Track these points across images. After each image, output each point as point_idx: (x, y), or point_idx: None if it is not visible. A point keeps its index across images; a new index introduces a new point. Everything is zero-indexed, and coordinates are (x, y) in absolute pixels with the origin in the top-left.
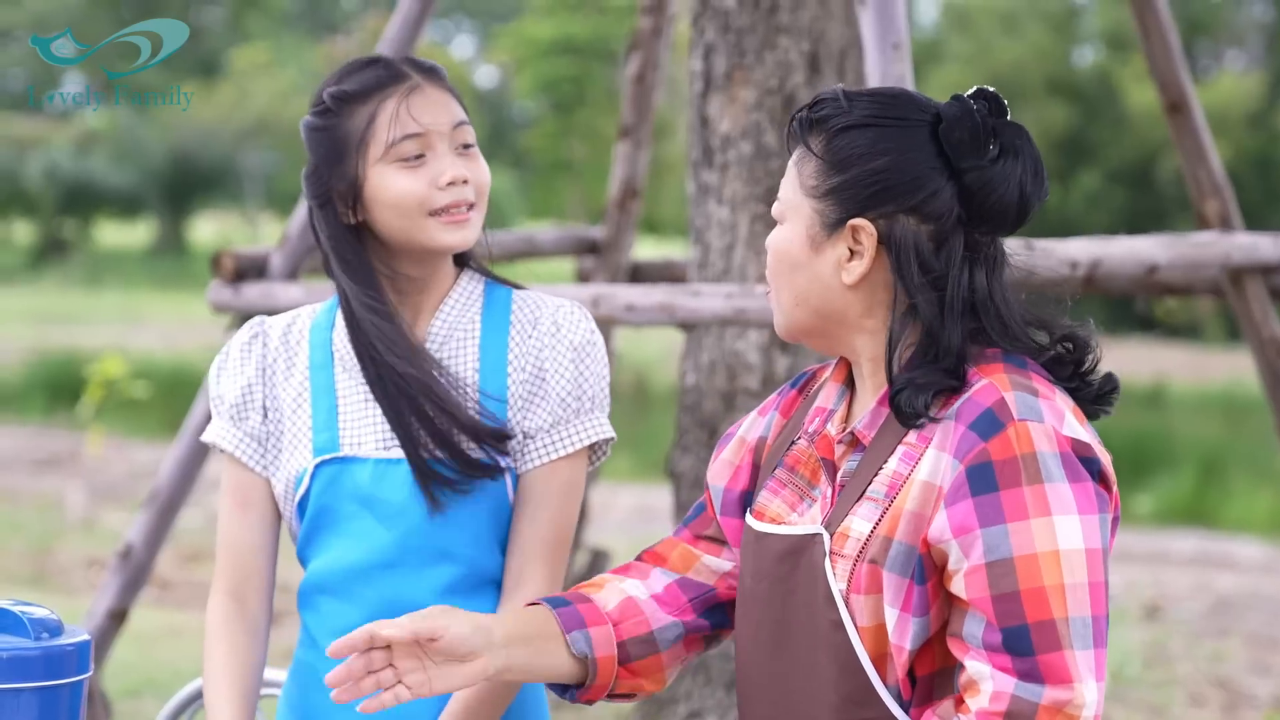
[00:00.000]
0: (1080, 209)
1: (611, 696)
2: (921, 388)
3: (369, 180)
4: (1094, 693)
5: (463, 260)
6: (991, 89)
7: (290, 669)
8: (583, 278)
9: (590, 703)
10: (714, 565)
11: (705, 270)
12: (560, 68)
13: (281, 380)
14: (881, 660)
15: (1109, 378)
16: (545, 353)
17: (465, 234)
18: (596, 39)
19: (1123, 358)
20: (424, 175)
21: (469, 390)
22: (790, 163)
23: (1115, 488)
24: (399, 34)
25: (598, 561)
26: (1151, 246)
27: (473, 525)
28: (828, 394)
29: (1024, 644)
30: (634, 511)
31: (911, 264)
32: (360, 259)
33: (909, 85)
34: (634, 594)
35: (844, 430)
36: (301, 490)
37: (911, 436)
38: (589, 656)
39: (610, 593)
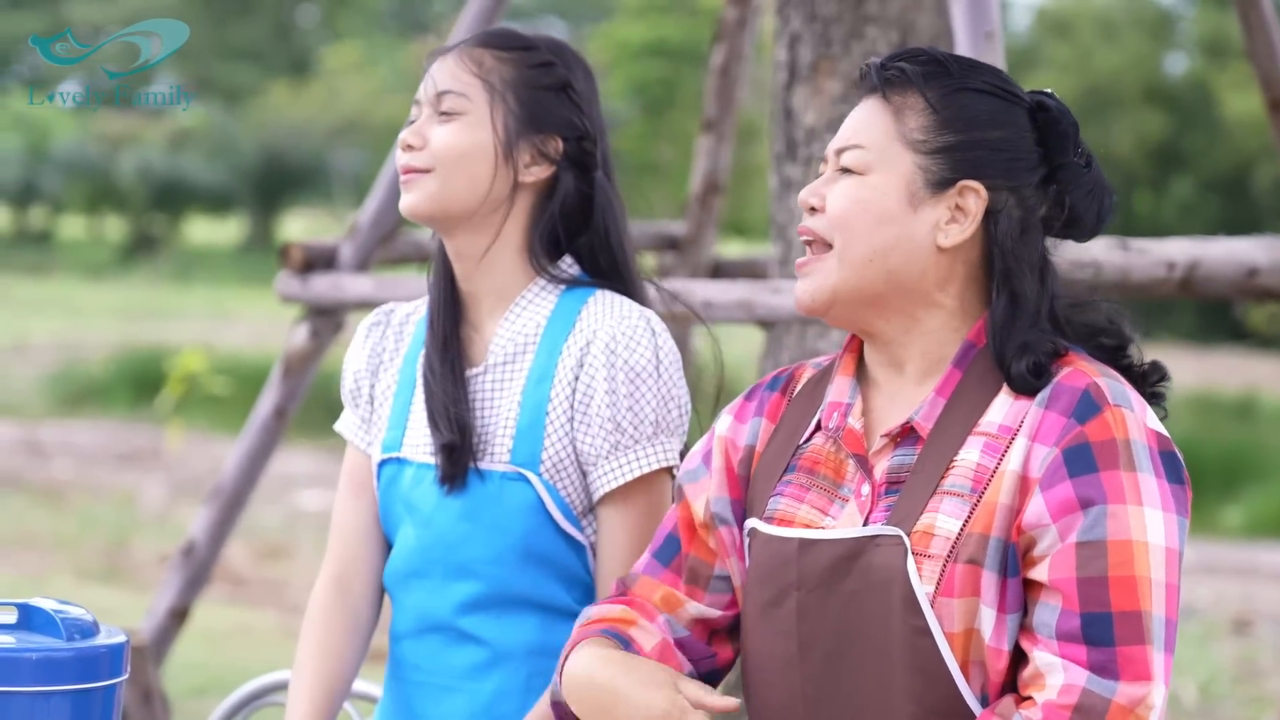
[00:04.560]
0: (1174, 217)
1: None
2: (1030, 349)
3: None
4: (1163, 698)
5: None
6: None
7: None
8: (663, 274)
9: None
10: (697, 612)
11: (787, 267)
12: (651, 70)
13: (385, 369)
14: (966, 668)
15: (1156, 366)
16: (597, 378)
17: (406, 198)
18: (688, 42)
19: (1213, 368)
20: None
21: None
22: (880, 111)
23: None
24: (472, 26)
25: None
26: (1251, 248)
27: (497, 542)
28: (840, 388)
29: (1104, 633)
30: None
31: (1008, 239)
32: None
33: None
34: (666, 636)
35: (860, 421)
36: (372, 485)
37: (986, 425)
38: None
39: (646, 633)
